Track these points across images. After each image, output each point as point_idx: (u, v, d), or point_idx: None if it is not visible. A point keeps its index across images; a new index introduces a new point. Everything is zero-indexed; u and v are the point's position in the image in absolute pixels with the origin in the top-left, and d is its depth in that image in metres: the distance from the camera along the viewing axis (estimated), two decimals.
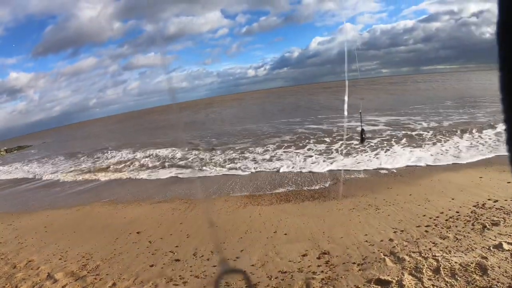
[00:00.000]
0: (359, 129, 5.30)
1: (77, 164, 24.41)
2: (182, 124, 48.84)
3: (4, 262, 7.85)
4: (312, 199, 9.96)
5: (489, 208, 7.15)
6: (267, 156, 16.78)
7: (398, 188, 9.76)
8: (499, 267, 4.66)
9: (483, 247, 5.35)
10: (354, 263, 5.65)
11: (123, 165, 20.33)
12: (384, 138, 17.47)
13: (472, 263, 4.85)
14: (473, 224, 6.40)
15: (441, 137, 16.04)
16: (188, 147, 23.05)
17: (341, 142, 17.87)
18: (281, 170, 13.70)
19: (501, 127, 15.93)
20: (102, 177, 17.92)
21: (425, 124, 20.20)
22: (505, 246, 5.20)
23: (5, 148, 58.95)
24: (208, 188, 12.63)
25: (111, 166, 20.51)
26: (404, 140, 16.37)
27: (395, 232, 6.69)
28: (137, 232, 8.73)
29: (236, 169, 15.10)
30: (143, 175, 16.79)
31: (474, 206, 7.38)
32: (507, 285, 4.30)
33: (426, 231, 6.50)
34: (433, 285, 4.57)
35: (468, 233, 6.04)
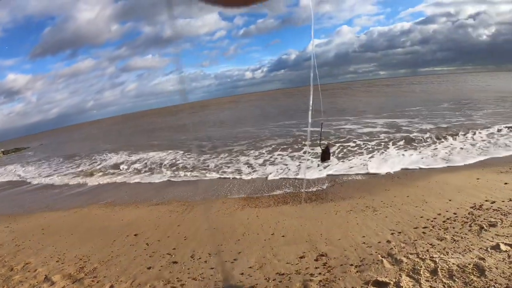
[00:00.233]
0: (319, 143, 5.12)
1: (74, 166, 24.35)
2: (179, 126, 49.03)
3: (1, 264, 7.83)
4: (309, 201, 9.96)
5: (486, 209, 7.17)
6: (261, 161, 16.63)
7: (395, 189, 9.77)
8: (496, 268, 4.67)
9: (481, 248, 5.36)
10: (351, 264, 5.65)
11: (119, 167, 20.26)
12: (382, 140, 17.48)
13: (469, 264, 4.85)
14: (470, 225, 6.41)
15: (438, 139, 16.08)
16: (184, 150, 23.05)
17: (338, 144, 17.81)
18: (269, 178, 13.42)
19: (497, 129, 16.05)
20: (98, 179, 17.86)
21: (422, 127, 20.22)
22: (503, 247, 5.21)
23: (2, 150, 58.69)
24: (201, 193, 12.60)
25: (108, 169, 20.44)
26: (401, 143, 16.36)
27: (392, 233, 6.69)
28: (135, 235, 8.72)
29: (226, 173, 15.05)
30: (139, 178, 16.72)
31: (472, 207, 7.40)
32: (505, 286, 4.31)
33: (424, 232, 6.50)
34: (430, 287, 4.57)
35: (466, 234, 6.05)
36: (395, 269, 5.20)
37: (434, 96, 45.68)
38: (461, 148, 14.14)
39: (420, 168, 11.92)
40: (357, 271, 5.39)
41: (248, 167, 15.62)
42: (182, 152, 22.46)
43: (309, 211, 9.03)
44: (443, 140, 15.84)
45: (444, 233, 6.30)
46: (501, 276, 4.49)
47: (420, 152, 14.28)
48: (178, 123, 57.84)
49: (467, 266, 4.81)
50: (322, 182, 11.72)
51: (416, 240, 6.19)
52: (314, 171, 12.97)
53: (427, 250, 5.63)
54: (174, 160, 19.86)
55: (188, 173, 15.96)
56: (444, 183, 9.63)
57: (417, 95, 52.01)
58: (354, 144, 17.24)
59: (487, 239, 5.66)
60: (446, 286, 4.52)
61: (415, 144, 15.68)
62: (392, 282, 4.84)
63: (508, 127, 16.61)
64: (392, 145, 16.03)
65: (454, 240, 5.86)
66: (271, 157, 17.19)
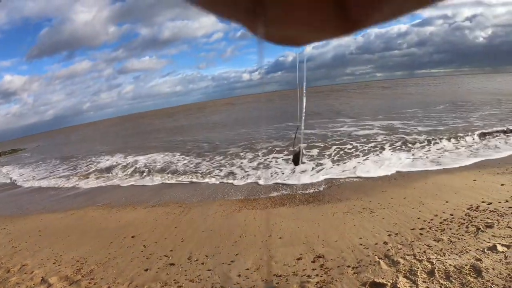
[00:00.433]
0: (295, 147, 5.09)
1: (71, 168, 24.28)
2: (175, 128, 48.98)
3: None
4: (306, 203, 9.96)
5: (483, 210, 7.19)
6: (254, 164, 16.45)
7: (392, 191, 9.78)
8: (493, 269, 4.68)
9: (477, 249, 5.37)
10: (348, 266, 5.65)
11: (115, 170, 20.18)
12: (379, 142, 17.49)
13: (466, 265, 4.87)
14: (467, 227, 6.43)
15: (434, 142, 16.10)
16: (179, 152, 22.99)
17: (334, 147, 17.80)
18: (261, 183, 13.16)
19: (492, 130, 16.11)
20: (94, 182, 17.84)
21: (418, 129, 20.23)
22: (499, 248, 5.23)
23: None
24: (193, 197, 12.59)
25: (104, 171, 20.37)
26: (397, 145, 16.36)
27: (389, 235, 6.70)
28: (132, 236, 8.70)
29: (218, 177, 14.92)
30: (133, 181, 16.65)
31: (468, 208, 7.42)
32: (502, 286, 4.32)
33: (421, 234, 6.51)
34: None
35: (462, 235, 6.07)
36: (392, 270, 5.21)
37: (431, 98, 45.80)
38: (457, 150, 14.17)
39: (417, 170, 11.93)
40: (354, 273, 5.39)
41: (241, 170, 15.50)
42: (178, 154, 22.36)
43: (306, 212, 9.04)
44: (439, 142, 15.86)
45: (441, 234, 6.31)
46: (498, 277, 4.50)
47: (416, 154, 14.29)
48: (174, 125, 57.78)
49: (464, 267, 4.82)
50: (319, 184, 11.72)
51: (413, 241, 6.20)
52: (307, 175, 12.95)
53: (424, 251, 5.64)
54: (168, 163, 19.71)
55: (181, 177, 15.85)
56: (440, 185, 9.65)
57: (413, 97, 52.08)
58: (351, 146, 17.23)
59: (484, 240, 5.67)
60: (443, 287, 4.53)
61: (411, 146, 15.68)
62: (389, 284, 4.84)
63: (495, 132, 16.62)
64: (389, 147, 16.01)
65: (451, 241, 5.87)
66: (265, 159, 17.10)
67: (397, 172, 11.97)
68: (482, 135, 15.98)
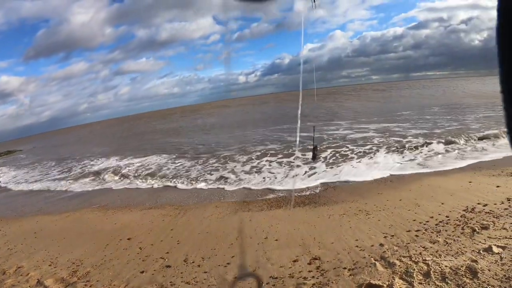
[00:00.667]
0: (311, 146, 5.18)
1: (66, 170, 24.16)
2: (171, 130, 48.93)
3: None
4: (302, 205, 9.97)
5: (478, 212, 7.21)
6: (247, 168, 16.28)
7: (388, 193, 9.81)
8: (489, 270, 4.70)
9: (473, 250, 5.38)
10: (345, 268, 5.66)
11: (109, 172, 20.07)
12: (375, 145, 17.50)
13: (462, 266, 4.88)
14: (463, 228, 6.44)
15: (430, 144, 16.13)
16: (174, 155, 22.90)
17: (330, 150, 17.77)
18: (253, 188, 12.96)
19: (487, 132, 16.20)
20: (90, 184, 17.78)
21: (413, 132, 20.25)
22: (495, 249, 5.24)
23: None
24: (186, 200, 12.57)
25: (98, 174, 20.28)
26: (393, 148, 16.37)
27: (385, 237, 6.71)
28: (128, 239, 8.68)
29: (210, 181, 14.73)
30: (127, 184, 16.58)
31: (464, 210, 7.44)
32: (497, 287, 4.34)
33: (416, 235, 6.53)
34: None
35: (458, 237, 6.08)
36: (388, 272, 5.21)
37: (427, 100, 45.91)
38: (452, 153, 14.22)
39: (412, 173, 11.95)
40: (350, 275, 5.40)
41: (233, 174, 15.34)
42: (174, 156, 22.28)
43: (302, 215, 9.05)
44: (434, 145, 15.89)
45: (437, 236, 6.33)
46: (493, 278, 4.52)
47: (411, 157, 14.33)
48: (170, 127, 57.70)
49: (460, 269, 4.83)
50: (315, 186, 11.72)
51: (409, 243, 6.21)
52: (301, 179, 12.92)
53: (420, 253, 5.65)
54: (161, 166, 19.59)
55: (171, 181, 15.72)
56: (436, 187, 9.67)
57: (409, 100, 52.18)
58: (346, 149, 17.21)
59: (480, 242, 5.69)
60: None
61: (407, 149, 15.69)
62: (385, 285, 4.85)
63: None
64: (384, 150, 16.01)
65: (447, 243, 5.89)
66: (259, 163, 16.99)
67: (393, 174, 11.99)
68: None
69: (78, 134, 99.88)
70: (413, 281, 4.79)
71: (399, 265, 5.32)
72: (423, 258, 5.40)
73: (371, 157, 14.99)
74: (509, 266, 4.73)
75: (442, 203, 8.08)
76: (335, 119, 33.40)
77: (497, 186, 8.79)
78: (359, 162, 14.46)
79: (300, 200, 10.42)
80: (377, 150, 16.11)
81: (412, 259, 5.47)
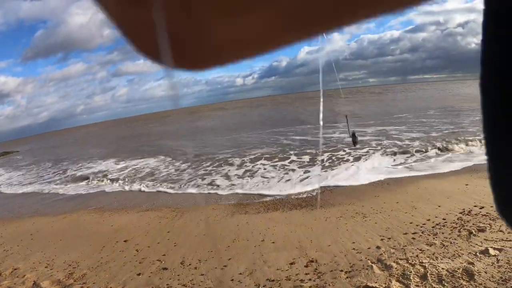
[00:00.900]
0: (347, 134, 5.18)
1: (61, 172, 24.08)
2: (168, 132, 48.91)
3: None
4: (299, 207, 9.96)
5: (475, 214, 7.23)
6: (240, 172, 15.99)
7: (385, 196, 9.81)
8: (485, 272, 4.71)
9: (470, 253, 5.40)
10: (341, 270, 5.65)
11: (104, 175, 20.00)
12: (372, 147, 17.49)
13: (459, 268, 4.89)
14: (459, 231, 6.46)
15: (427, 147, 16.17)
16: (169, 157, 22.83)
17: (327, 153, 17.74)
18: (247, 192, 12.62)
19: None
20: (86, 187, 17.72)
21: (411, 135, 20.29)
22: (491, 251, 5.25)
23: None
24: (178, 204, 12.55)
25: (95, 176, 20.21)
26: (390, 151, 16.38)
27: (382, 239, 6.72)
28: (124, 241, 8.66)
29: (202, 186, 14.38)
30: (121, 187, 16.45)
31: (461, 213, 7.45)
32: None
33: (413, 238, 6.54)
34: None
35: (455, 239, 6.10)
36: (385, 274, 5.22)
37: (423, 103, 46.03)
38: (450, 156, 14.26)
39: (409, 176, 11.96)
40: (347, 277, 5.40)
41: (226, 179, 15.07)
42: (169, 159, 22.18)
43: (299, 217, 9.04)
44: (431, 148, 15.92)
45: (434, 238, 6.34)
46: (490, 280, 4.53)
47: (408, 160, 14.36)
48: (166, 129, 57.71)
49: (457, 271, 4.84)
50: (312, 189, 11.72)
51: (405, 245, 6.22)
52: (295, 183, 12.85)
53: (417, 256, 5.66)
54: (156, 169, 19.43)
55: (164, 185, 15.55)
56: (433, 189, 9.69)
57: (406, 102, 52.31)
58: (344, 153, 17.17)
59: (476, 244, 5.70)
60: None
61: (404, 152, 15.71)
62: None
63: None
64: (381, 153, 16.02)
65: (443, 245, 5.90)
66: (253, 166, 16.79)
67: (389, 177, 11.99)
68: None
69: (75, 135, 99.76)
70: (410, 284, 4.80)
71: (396, 268, 5.33)
72: (420, 261, 5.41)
73: (366, 160, 14.97)
74: (505, 268, 4.74)
75: (439, 206, 8.09)
76: (332, 121, 33.51)
77: None
78: (354, 165, 14.42)
79: (297, 203, 10.41)
80: (373, 153, 16.09)
81: (409, 261, 5.48)
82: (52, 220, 11.81)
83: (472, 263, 5.01)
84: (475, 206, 7.73)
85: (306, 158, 16.98)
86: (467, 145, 15.43)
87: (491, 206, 7.50)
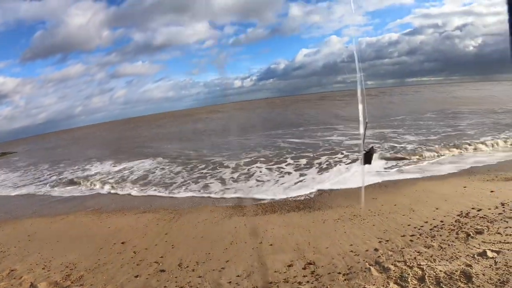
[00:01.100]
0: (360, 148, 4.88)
1: (57, 174, 23.99)
2: (165, 135, 48.80)
3: None
4: (297, 209, 9.97)
5: (473, 217, 7.24)
6: (235, 176, 15.91)
7: (382, 198, 9.81)
8: (483, 275, 4.70)
9: (468, 255, 5.39)
10: (339, 273, 5.64)
11: (104, 177, 19.91)
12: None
13: (456, 271, 4.88)
14: (457, 233, 6.46)
15: (424, 150, 16.18)
16: (165, 160, 22.72)
17: (324, 157, 17.73)
18: (242, 196, 12.51)
19: (483, 139, 16.26)
20: (83, 189, 17.63)
21: (409, 138, 20.29)
22: (489, 253, 5.25)
23: None
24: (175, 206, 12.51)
25: (93, 178, 20.13)
26: (387, 154, 16.38)
27: (380, 242, 6.71)
28: (122, 242, 8.63)
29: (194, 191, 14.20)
30: (113, 190, 16.37)
31: (458, 215, 7.46)
32: None
33: (411, 240, 6.53)
34: None
35: (453, 241, 6.09)
36: (382, 277, 5.20)
37: (421, 106, 46.04)
38: (447, 158, 14.30)
39: (407, 178, 11.96)
40: (345, 279, 5.39)
41: (221, 183, 14.90)
42: (166, 161, 22.13)
43: (297, 219, 9.04)
44: (429, 150, 15.93)
45: (431, 240, 6.34)
46: (488, 282, 4.52)
47: (406, 162, 14.37)
48: (164, 131, 57.55)
49: (454, 273, 4.83)
50: (308, 193, 11.70)
51: (403, 248, 6.21)
52: (292, 187, 12.86)
53: (415, 258, 5.65)
54: (153, 172, 19.29)
55: (155, 188, 15.41)
56: (431, 192, 9.70)
57: (404, 105, 52.30)
58: (342, 155, 17.17)
59: (474, 246, 5.70)
60: None
61: (402, 155, 15.72)
62: None
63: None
64: (378, 156, 16.00)
65: (441, 248, 5.89)
66: (249, 170, 16.75)
67: (387, 180, 11.99)
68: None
69: (73, 136, 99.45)
70: (407, 286, 4.79)
71: (393, 270, 5.31)
72: (418, 263, 5.40)
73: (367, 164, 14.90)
74: (503, 271, 4.74)
75: (437, 208, 8.10)
76: (329, 124, 33.46)
77: (491, 191, 8.83)
78: (350, 169, 14.41)
79: (295, 205, 10.42)
80: (376, 157, 16.07)
81: (407, 263, 5.47)
82: (50, 221, 11.77)
83: (470, 265, 5.00)
84: (472, 208, 7.74)
85: (303, 161, 16.91)
86: (463, 148, 15.47)
87: (489, 208, 7.53)
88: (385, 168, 13.77)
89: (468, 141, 16.65)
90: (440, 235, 6.52)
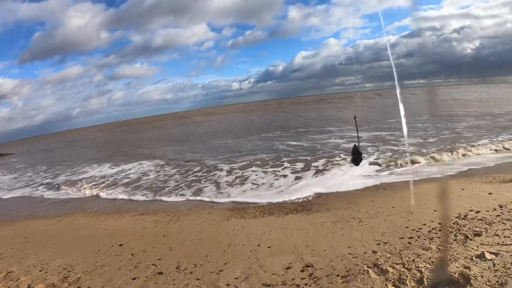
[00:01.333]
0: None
1: (54, 176, 23.95)
2: (163, 136, 48.79)
3: None
4: (295, 212, 9.96)
5: (471, 219, 7.24)
6: (230, 179, 15.76)
7: (381, 200, 9.82)
8: (482, 277, 4.70)
9: (466, 257, 5.38)
10: (337, 275, 5.63)
11: (97, 180, 19.83)
12: (369, 153, 17.43)
13: (455, 273, 4.87)
14: (455, 235, 6.45)
15: (422, 152, 16.22)
16: (160, 163, 22.65)
17: (322, 160, 17.74)
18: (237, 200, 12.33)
19: (482, 142, 16.28)
20: (83, 190, 17.56)
21: (407, 140, 20.27)
22: (487, 255, 5.25)
23: None
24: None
25: (90, 180, 20.08)
26: (385, 157, 16.39)
27: (378, 244, 6.70)
28: (120, 245, 8.61)
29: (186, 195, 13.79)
30: (121, 192, 16.20)
31: (457, 217, 7.46)
32: None
33: (409, 242, 6.53)
34: None
35: (451, 244, 6.08)
36: (381, 279, 5.20)
37: (418, 108, 46.09)
38: (444, 160, 14.32)
39: (405, 180, 11.97)
40: (343, 282, 5.38)
41: (216, 187, 14.67)
42: (162, 164, 22.10)
43: (295, 222, 9.03)
44: (426, 152, 15.96)
45: (430, 243, 6.33)
46: (486, 284, 4.52)
47: (404, 164, 14.37)
48: (163, 133, 57.55)
49: (453, 275, 4.83)
50: (307, 193, 11.69)
51: (401, 250, 6.20)
52: (289, 190, 12.78)
53: (413, 260, 5.64)
54: (147, 175, 19.22)
55: (144, 193, 15.16)
56: (429, 194, 9.67)
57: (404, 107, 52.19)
58: (339, 158, 17.14)
59: (472, 248, 5.69)
60: None
61: (400, 157, 15.74)
62: None
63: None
64: (377, 158, 16.01)
65: (440, 250, 5.89)
66: (243, 173, 16.59)
67: (385, 182, 11.99)
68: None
69: (71, 138, 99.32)
70: None
71: (392, 272, 5.31)
72: (416, 265, 5.40)
73: (364, 165, 14.92)
74: (501, 273, 4.73)
75: (435, 210, 8.08)
76: (327, 126, 33.50)
77: (489, 193, 8.85)
78: (348, 172, 14.38)
79: (293, 208, 10.42)
80: (370, 159, 16.08)
81: (405, 266, 5.46)
82: (47, 223, 11.74)
83: (468, 267, 4.99)
84: (471, 210, 7.74)
85: (300, 165, 16.83)
86: (460, 150, 15.48)
87: (487, 210, 7.54)
88: (378, 171, 13.75)
89: (465, 144, 16.70)
90: (439, 237, 6.51)
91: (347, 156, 17.17)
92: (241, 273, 6.28)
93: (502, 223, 6.73)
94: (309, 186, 12.78)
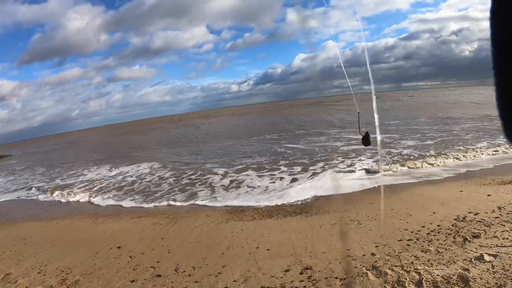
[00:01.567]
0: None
1: (52, 178, 23.94)
2: (162, 139, 48.81)
3: None
4: (294, 214, 9.95)
5: (470, 221, 7.24)
6: (226, 182, 15.68)
7: (380, 203, 9.80)
8: (480, 279, 4.70)
9: (465, 259, 5.39)
10: (336, 278, 5.62)
11: (98, 182, 19.80)
12: (367, 156, 17.42)
13: (454, 275, 4.87)
14: (454, 237, 6.45)
15: (421, 154, 16.25)
16: (157, 165, 22.63)
17: (320, 163, 17.74)
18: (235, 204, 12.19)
19: (481, 144, 16.34)
20: (82, 193, 17.52)
21: (406, 143, 20.29)
22: (486, 257, 5.25)
23: None
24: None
25: (88, 183, 20.05)
26: (383, 158, 16.36)
27: (377, 246, 6.70)
28: (118, 247, 8.59)
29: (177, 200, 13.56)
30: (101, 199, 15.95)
31: (455, 219, 7.46)
32: None
33: (408, 245, 6.52)
34: None
35: (450, 246, 6.09)
36: (380, 281, 5.19)
37: (417, 110, 46.22)
38: (442, 162, 14.33)
39: (403, 183, 11.96)
40: (342, 284, 5.37)
41: (210, 191, 14.54)
42: (157, 166, 22.12)
43: (294, 224, 9.02)
44: (425, 154, 15.98)
45: (428, 245, 6.33)
46: (485, 286, 4.52)
47: (403, 166, 14.38)
48: (162, 136, 57.57)
49: (452, 277, 4.83)
50: (306, 196, 11.68)
51: (400, 252, 6.20)
52: (280, 193, 12.72)
53: (412, 262, 5.64)
54: (145, 178, 19.05)
55: (136, 197, 14.95)
56: (427, 196, 9.70)
57: (400, 110, 52.43)
58: (337, 161, 17.12)
59: (471, 250, 5.70)
60: None
61: (397, 159, 15.76)
62: None
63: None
64: (375, 160, 16.00)
65: (438, 252, 5.89)
66: (237, 177, 16.50)
67: (384, 184, 11.98)
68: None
69: (70, 140, 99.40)
70: None
71: (391, 275, 5.30)
72: (415, 267, 5.40)
73: (363, 169, 14.92)
74: (500, 274, 4.74)
75: (434, 213, 8.10)
76: (325, 128, 33.53)
77: (488, 195, 8.85)
78: (347, 174, 14.41)
79: (292, 210, 10.41)
80: (369, 161, 16.10)
81: (404, 268, 5.46)
82: (46, 225, 11.73)
83: (467, 269, 5.00)
84: (469, 212, 7.75)
85: (298, 168, 16.78)
86: (458, 152, 15.51)
87: (486, 212, 7.54)
88: (376, 173, 13.75)
89: (463, 146, 16.73)
90: (437, 240, 6.52)
91: (345, 159, 17.20)
92: (239, 275, 6.27)
93: (501, 225, 6.73)
94: (308, 189, 12.71)
